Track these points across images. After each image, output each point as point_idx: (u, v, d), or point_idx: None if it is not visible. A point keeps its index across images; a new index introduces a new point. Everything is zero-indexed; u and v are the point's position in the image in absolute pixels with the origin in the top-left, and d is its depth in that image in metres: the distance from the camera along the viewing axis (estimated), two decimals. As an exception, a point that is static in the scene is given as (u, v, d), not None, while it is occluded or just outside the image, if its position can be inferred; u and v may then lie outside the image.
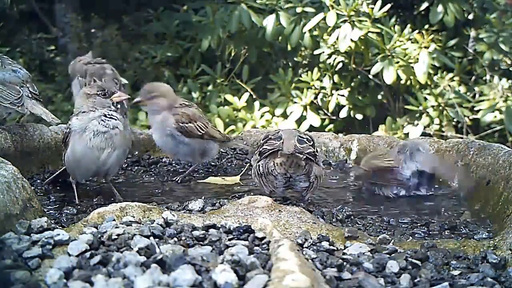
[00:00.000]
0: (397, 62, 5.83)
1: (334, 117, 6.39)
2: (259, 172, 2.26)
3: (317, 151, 2.27)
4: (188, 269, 1.36)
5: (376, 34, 5.86)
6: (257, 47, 6.58)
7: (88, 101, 2.35)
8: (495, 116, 6.03)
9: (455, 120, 6.16)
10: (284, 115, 6.22)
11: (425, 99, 6.02)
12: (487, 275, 1.56)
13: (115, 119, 2.32)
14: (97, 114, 2.30)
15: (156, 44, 7.09)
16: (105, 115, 2.30)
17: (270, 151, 2.21)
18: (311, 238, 1.74)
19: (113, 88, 2.39)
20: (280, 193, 2.30)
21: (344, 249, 1.71)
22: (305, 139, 2.25)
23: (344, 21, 5.69)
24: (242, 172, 2.81)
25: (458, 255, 1.71)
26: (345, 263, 1.57)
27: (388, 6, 5.81)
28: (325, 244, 1.70)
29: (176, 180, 2.75)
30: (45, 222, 1.72)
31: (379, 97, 6.46)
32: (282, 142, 2.20)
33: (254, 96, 6.44)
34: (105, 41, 7.36)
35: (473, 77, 6.56)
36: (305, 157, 2.16)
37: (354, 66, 6.18)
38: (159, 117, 2.76)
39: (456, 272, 1.59)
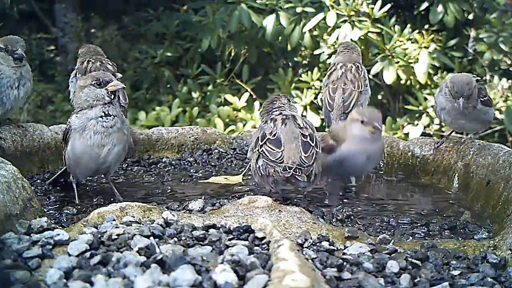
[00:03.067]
0: (397, 62, 5.83)
1: (334, 117, 6.38)
2: (259, 173, 2.24)
3: (318, 146, 2.23)
4: (188, 269, 1.36)
5: (376, 34, 5.86)
6: (257, 47, 6.57)
7: (83, 93, 2.29)
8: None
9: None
10: (284, 115, 6.21)
11: (425, 99, 6.02)
12: (487, 275, 1.56)
13: (113, 117, 2.28)
14: (94, 114, 2.26)
15: (156, 44, 7.08)
16: (102, 116, 2.26)
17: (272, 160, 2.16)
18: (311, 238, 1.74)
19: (108, 77, 2.30)
20: (279, 189, 2.28)
21: (344, 249, 1.71)
22: (307, 139, 2.20)
23: (344, 21, 5.69)
24: (244, 172, 2.80)
25: (458, 255, 1.71)
26: (345, 263, 1.57)
27: (388, 6, 5.81)
28: (325, 244, 1.70)
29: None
30: (45, 222, 1.72)
31: (379, 97, 6.45)
32: (283, 150, 2.15)
33: (254, 96, 6.43)
34: (105, 41, 7.36)
35: (473, 77, 6.55)
36: (309, 172, 2.13)
37: (354, 66, 6.17)
38: None
39: (456, 272, 1.59)
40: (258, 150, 2.22)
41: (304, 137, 2.20)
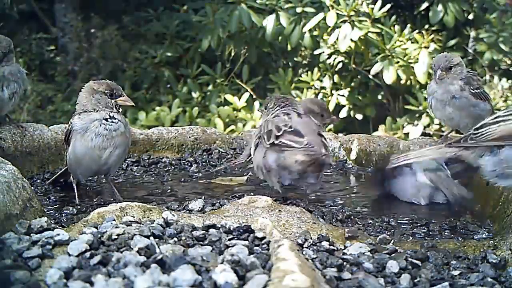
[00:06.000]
0: (397, 62, 5.83)
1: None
2: (268, 166, 2.15)
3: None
4: (188, 269, 1.36)
5: (376, 34, 5.87)
6: (257, 47, 6.58)
7: (93, 97, 2.33)
8: (495, 116, 6.03)
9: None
10: (284, 115, 6.22)
11: (425, 99, 6.01)
12: (487, 275, 1.56)
13: (117, 122, 2.31)
14: (99, 115, 2.29)
15: (156, 44, 7.08)
16: (106, 118, 2.29)
17: (305, 152, 2.07)
18: (311, 238, 1.74)
19: (120, 91, 2.37)
20: (285, 184, 2.22)
21: (344, 249, 1.71)
22: (325, 141, 2.19)
23: (344, 21, 5.69)
24: (249, 174, 2.78)
25: (458, 255, 1.71)
26: (345, 263, 1.57)
27: (388, 6, 5.81)
28: (325, 244, 1.70)
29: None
30: (45, 222, 1.72)
31: (379, 97, 6.46)
32: (307, 139, 2.10)
33: (254, 96, 6.44)
34: (105, 41, 7.36)
35: (473, 77, 6.55)
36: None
37: (354, 66, 6.19)
38: None
39: (456, 272, 1.59)
40: (272, 143, 2.13)
41: (324, 138, 2.19)
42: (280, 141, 2.12)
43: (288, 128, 2.15)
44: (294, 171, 2.13)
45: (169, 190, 2.57)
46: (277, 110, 2.32)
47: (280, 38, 6.17)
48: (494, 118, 1.89)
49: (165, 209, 2.01)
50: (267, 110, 2.38)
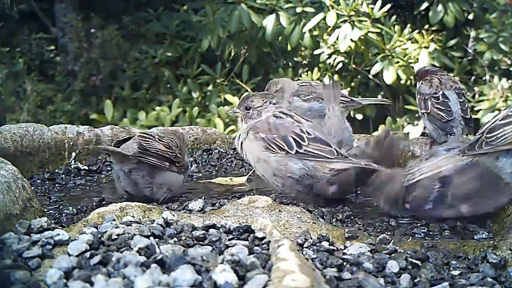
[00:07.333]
0: (397, 62, 5.84)
1: (334, 117, 6.39)
2: (288, 176, 2.12)
3: None
4: (188, 269, 1.36)
5: (376, 34, 5.88)
6: (257, 47, 6.58)
7: None
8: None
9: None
10: (284, 115, 6.23)
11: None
12: (487, 275, 1.56)
13: None
14: None
15: (156, 44, 7.09)
16: None
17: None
18: (311, 238, 1.74)
19: None
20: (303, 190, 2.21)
21: (344, 249, 1.71)
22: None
23: (344, 21, 5.69)
24: (249, 174, 2.78)
25: (458, 255, 1.71)
26: (345, 263, 1.57)
27: (388, 6, 5.81)
28: (325, 244, 1.70)
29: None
30: (45, 222, 1.72)
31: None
32: (330, 145, 2.08)
33: (254, 96, 6.44)
34: (105, 41, 7.36)
35: (473, 77, 6.57)
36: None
37: (354, 66, 6.19)
38: None
39: (456, 272, 1.59)
40: (297, 151, 2.09)
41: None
42: (306, 150, 2.10)
43: (308, 134, 2.12)
44: (321, 180, 2.14)
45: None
46: (272, 108, 2.24)
47: (280, 38, 6.17)
48: (504, 119, 1.86)
49: (165, 209, 2.01)
50: (254, 110, 2.26)
